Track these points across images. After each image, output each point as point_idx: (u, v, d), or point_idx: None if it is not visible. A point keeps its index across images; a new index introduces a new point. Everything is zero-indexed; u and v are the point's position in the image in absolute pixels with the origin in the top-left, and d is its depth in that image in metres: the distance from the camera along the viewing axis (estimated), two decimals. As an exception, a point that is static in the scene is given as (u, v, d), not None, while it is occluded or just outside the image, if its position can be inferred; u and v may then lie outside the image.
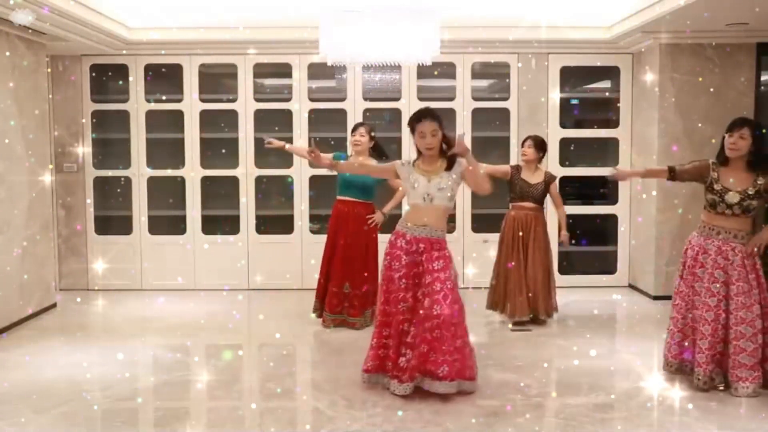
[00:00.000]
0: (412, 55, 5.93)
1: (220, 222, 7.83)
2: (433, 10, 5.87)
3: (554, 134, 7.70)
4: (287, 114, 7.68)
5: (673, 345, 4.60)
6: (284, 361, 5.41)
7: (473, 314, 6.42)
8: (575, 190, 8.00)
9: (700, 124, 7.02)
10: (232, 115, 7.69)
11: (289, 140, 7.53)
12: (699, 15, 6.08)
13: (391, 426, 3.99)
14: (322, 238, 6.32)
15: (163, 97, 7.74)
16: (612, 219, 7.82)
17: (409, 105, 7.65)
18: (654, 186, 6.94)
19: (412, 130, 4.45)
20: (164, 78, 7.87)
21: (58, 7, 5.76)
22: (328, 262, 6.06)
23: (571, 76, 7.88)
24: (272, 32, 7.20)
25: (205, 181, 7.73)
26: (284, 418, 4.19)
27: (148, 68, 7.65)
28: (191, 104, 7.65)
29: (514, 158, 7.64)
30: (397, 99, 7.71)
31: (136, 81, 7.62)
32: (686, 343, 4.54)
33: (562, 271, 7.86)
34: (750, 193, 4.37)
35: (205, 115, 7.70)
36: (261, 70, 7.79)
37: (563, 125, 7.80)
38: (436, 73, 7.57)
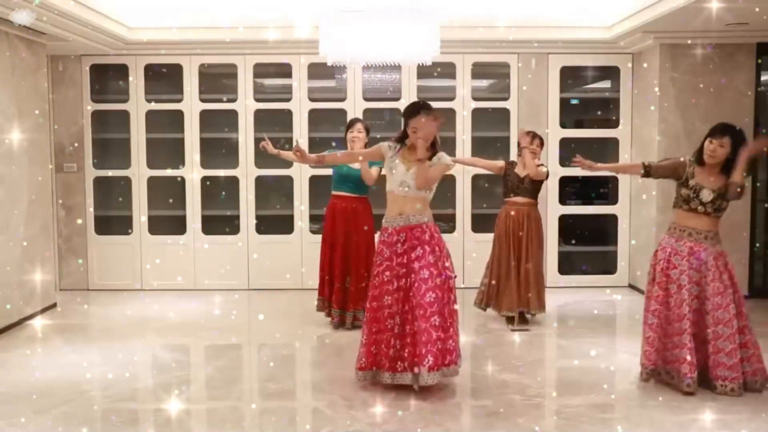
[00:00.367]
0: (412, 55, 5.93)
1: (220, 222, 7.83)
2: (433, 10, 5.87)
3: (554, 134, 7.70)
4: (287, 114, 7.68)
5: (651, 352, 4.54)
6: (284, 361, 5.41)
7: (473, 314, 6.43)
8: (575, 190, 8.01)
9: (700, 124, 7.00)
10: (232, 115, 7.69)
11: (289, 140, 7.55)
12: (699, 15, 6.08)
13: (391, 426, 3.99)
14: (322, 238, 6.33)
15: (164, 97, 7.74)
16: (612, 219, 7.82)
17: (409, 105, 7.65)
18: (654, 186, 6.93)
19: (406, 122, 4.48)
20: (164, 78, 7.87)
21: (58, 7, 5.76)
22: (329, 258, 6.06)
23: (571, 76, 7.88)
24: (272, 32, 7.19)
25: (205, 181, 7.74)
26: (284, 418, 4.19)
27: (148, 68, 7.65)
28: (191, 104, 7.65)
29: (514, 158, 7.64)
30: (397, 99, 7.70)
31: (136, 81, 7.62)
32: (667, 351, 4.51)
33: (562, 271, 7.86)
34: (723, 193, 4.43)
35: (205, 115, 7.70)
36: (261, 70, 7.79)
37: (563, 125, 7.80)
38: (436, 73, 7.57)
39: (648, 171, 4.64)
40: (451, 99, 7.71)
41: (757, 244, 7.30)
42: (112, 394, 4.55)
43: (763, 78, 7.23)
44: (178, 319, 6.53)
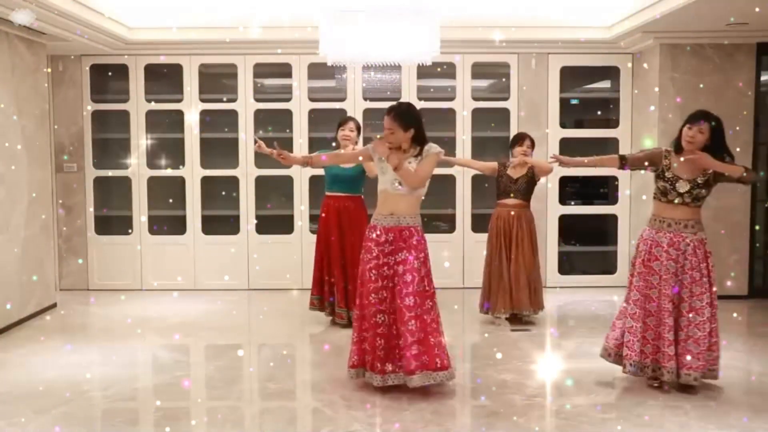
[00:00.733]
0: (412, 55, 5.93)
1: (220, 222, 7.83)
2: (433, 10, 5.86)
3: (554, 134, 7.71)
4: (287, 114, 7.68)
5: (635, 342, 4.54)
6: (284, 361, 5.41)
7: (473, 314, 6.43)
8: (575, 190, 8.02)
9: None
10: (232, 115, 7.69)
11: (290, 140, 7.55)
12: (699, 15, 6.09)
13: (391, 426, 3.99)
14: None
15: (164, 97, 7.74)
16: (612, 219, 7.82)
17: (409, 105, 7.64)
18: (654, 186, 6.93)
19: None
20: (164, 78, 7.87)
21: (58, 7, 5.76)
22: (324, 258, 6.06)
23: (571, 76, 7.88)
24: (272, 32, 7.20)
25: (205, 181, 7.74)
26: (284, 418, 4.19)
27: (148, 68, 7.65)
28: (191, 104, 7.65)
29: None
30: (397, 99, 7.69)
31: (136, 81, 7.62)
32: (648, 344, 4.52)
33: (562, 271, 7.87)
34: (699, 182, 4.47)
35: (205, 115, 7.70)
36: (261, 70, 7.79)
37: (563, 125, 7.80)
38: (436, 73, 7.57)
39: (624, 162, 4.68)
40: (451, 99, 7.71)
41: (757, 244, 7.30)
42: (112, 394, 4.55)
43: (763, 78, 7.22)
44: (178, 319, 6.53)
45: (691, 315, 4.41)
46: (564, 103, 7.81)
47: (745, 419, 4.09)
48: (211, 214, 7.81)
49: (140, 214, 7.72)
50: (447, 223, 7.86)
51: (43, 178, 6.73)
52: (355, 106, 7.61)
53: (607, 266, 7.93)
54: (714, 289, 4.50)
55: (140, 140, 7.67)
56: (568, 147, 7.78)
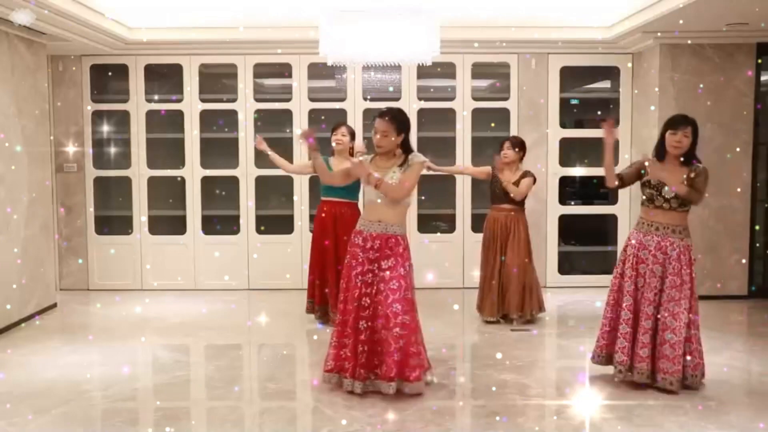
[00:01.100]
0: (412, 55, 5.93)
1: (220, 222, 7.83)
2: (433, 10, 5.87)
3: (554, 134, 7.71)
4: (287, 114, 7.68)
5: (599, 336, 4.64)
6: (284, 361, 5.41)
7: (473, 315, 6.43)
8: (575, 190, 8.01)
9: (700, 124, 6.98)
10: (232, 115, 7.69)
11: (290, 140, 7.55)
12: (699, 15, 6.09)
13: (391, 426, 3.99)
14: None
15: (164, 97, 7.74)
16: (612, 219, 7.82)
17: (409, 105, 7.65)
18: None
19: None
20: (164, 78, 7.87)
21: (58, 7, 5.76)
22: (319, 263, 6.06)
23: (571, 76, 7.88)
24: (272, 32, 7.20)
25: (205, 181, 7.74)
26: (284, 418, 4.19)
27: (148, 68, 7.65)
28: (191, 104, 7.65)
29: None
30: (397, 99, 7.70)
31: (136, 81, 7.62)
32: (623, 341, 4.55)
33: (562, 271, 7.87)
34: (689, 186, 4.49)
35: (205, 115, 7.71)
36: (261, 70, 7.79)
37: (563, 125, 7.80)
38: (436, 73, 7.57)
39: (622, 183, 4.75)
40: (451, 99, 7.71)
41: (757, 244, 7.30)
42: (112, 394, 4.55)
43: (763, 78, 7.22)
44: (178, 319, 6.53)
45: (668, 319, 4.44)
46: (564, 103, 7.81)
47: (761, 425, 4.09)
48: (211, 214, 7.81)
49: (140, 214, 7.72)
50: (447, 223, 7.86)
51: (43, 178, 6.73)
52: (355, 106, 7.61)
53: (607, 266, 7.90)
54: (695, 296, 4.52)
55: (140, 140, 7.67)
56: (568, 147, 7.80)
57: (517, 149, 6.20)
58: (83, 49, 7.27)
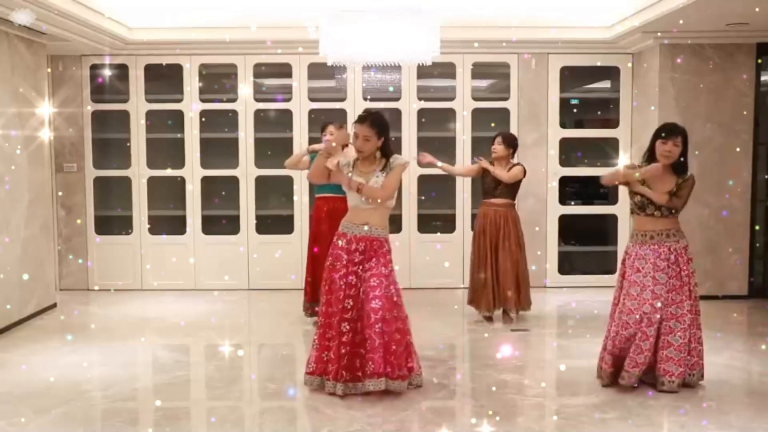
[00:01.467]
0: (412, 55, 5.93)
1: (220, 222, 7.83)
2: (433, 10, 5.87)
3: (554, 134, 7.71)
4: (287, 114, 7.68)
5: (605, 356, 4.58)
6: (284, 361, 5.41)
7: (472, 314, 6.43)
8: (575, 190, 8.01)
9: (699, 124, 7.02)
10: (232, 115, 7.69)
11: (290, 140, 7.56)
12: (699, 15, 6.09)
13: (391, 426, 3.99)
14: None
15: (164, 97, 7.75)
16: (612, 219, 7.82)
17: (409, 105, 7.66)
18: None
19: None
20: (164, 78, 7.87)
21: (58, 7, 5.76)
22: (315, 262, 6.07)
23: (571, 76, 7.88)
24: (272, 32, 7.20)
25: (205, 181, 7.74)
26: (284, 418, 4.19)
27: (148, 68, 7.65)
28: (191, 104, 7.65)
29: (514, 159, 7.63)
30: (397, 99, 7.71)
31: (136, 81, 7.62)
32: (624, 354, 4.50)
33: (562, 271, 7.87)
34: (674, 193, 4.50)
35: (205, 115, 7.71)
36: (261, 70, 7.79)
37: (563, 125, 7.80)
38: (436, 73, 7.57)
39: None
40: (451, 99, 7.71)
41: (757, 244, 7.30)
42: (112, 394, 4.55)
43: (763, 78, 7.22)
44: (178, 319, 6.53)
45: (672, 322, 4.45)
46: (564, 103, 7.81)
47: (747, 419, 4.09)
48: (211, 214, 7.81)
49: (140, 214, 7.72)
50: (447, 223, 7.86)
51: (43, 178, 6.73)
52: (355, 106, 7.61)
53: (607, 266, 7.92)
54: (695, 295, 4.53)
55: (140, 140, 7.67)
56: (568, 147, 7.80)
57: (506, 145, 6.20)
58: (83, 49, 7.27)
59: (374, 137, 4.42)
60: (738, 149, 7.11)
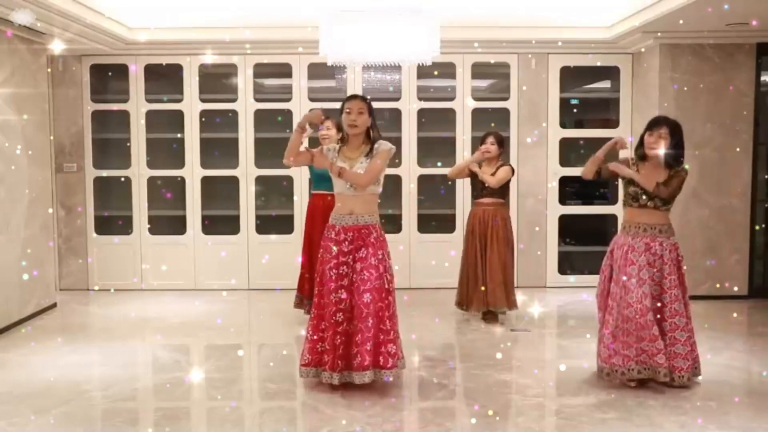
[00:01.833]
0: (412, 55, 5.93)
1: (220, 222, 7.83)
2: (433, 10, 5.87)
3: (554, 134, 7.71)
4: (287, 114, 7.68)
5: (602, 349, 4.60)
6: (284, 361, 5.41)
7: (472, 315, 6.42)
8: (575, 190, 8.01)
9: (700, 124, 7.02)
10: (232, 115, 7.69)
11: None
12: (699, 15, 6.09)
13: (391, 426, 3.99)
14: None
15: (164, 98, 7.75)
16: (612, 219, 7.82)
17: (409, 105, 7.66)
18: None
19: (341, 110, 4.55)
20: (164, 78, 7.87)
21: (58, 7, 5.76)
22: (309, 257, 6.07)
23: (571, 76, 7.88)
24: (272, 32, 7.20)
25: (205, 181, 7.74)
26: (284, 418, 4.19)
27: (148, 68, 7.65)
28: (191, 104, 7.65)
29: (514, 158, 7.65)
30: (397, 99, 7.71)
31: (136, 81, 7.63)
32: (629, 348, 4.50)
33: (562, 271, 7.87)
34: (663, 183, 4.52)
35: (205, 115, 7.71)
36: (261, 70, 7.79)
37: (563, 125, 7.80)
38: (436, 73, 7.57)
39: (599, 175, 4.78)
40: (451, 99, 7.71)
41: (757, 244, 7.30)
42: (112, 394, 4.55)
43: (763, 78, 7.22)
44: (178, 319, 6.53)
45: (676, 318, 4.49)
46: (564, 103, 7.81)
47: (747, 419, 4.09)
48: (211, 214, 7.81)
49: (140, 214, 7.72)
50: (447, 223, 7.86)
51: (43, 178, 6.73)
52: (355, 106, 7.59)
53: (607, 266, 7.91)
54: (687, 293, 4.59)
55: (140, 140, 7.67)
56: (568, 147, 7.80)
57: (499, 144, 6.22)
58: (83, 49, 7.27)
59: (366, 112, 4.50)
60: (738, 149, 7.11)
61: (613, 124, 7.80)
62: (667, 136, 4.51)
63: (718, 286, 7.18)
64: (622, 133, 7.69)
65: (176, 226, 7.79)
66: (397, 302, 4.59)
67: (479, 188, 6.23)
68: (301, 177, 7.63)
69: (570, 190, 7.99)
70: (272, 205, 7.96)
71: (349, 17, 5.74)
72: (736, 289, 7.18)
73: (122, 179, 7.72)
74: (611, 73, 7.85)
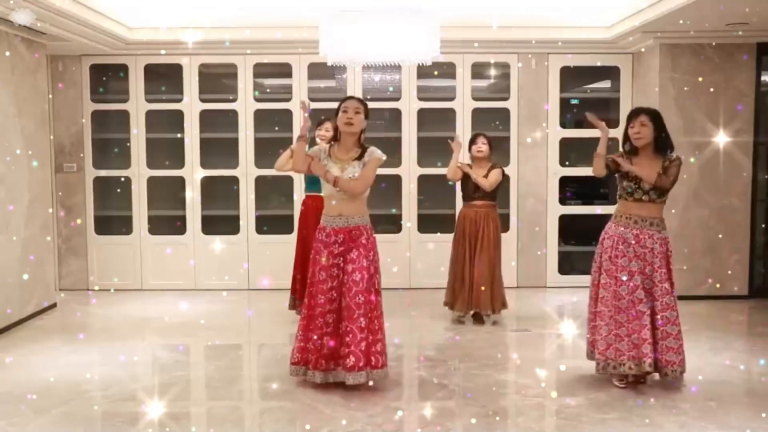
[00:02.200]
0: (412, 55, 5.93)
1: (220, 222, 7.83)
2: (433, 10, 5.87)
3: (554, 134, 7.71)
4: (287, 114, 7.68)
5: (601, 343, 4.59)
6: (284, 361, 5.39)
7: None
8: (575, 190, 8.01)
9: (700, 124, 7.02)
10: (232, 115, 7.69)
11: (289, 141, 7.54)
12: (699, 15, 6.09)
13: (391, 426, 3.99)
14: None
15: (163, 98, 7.75)
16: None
17: (409, 105, 7.66)
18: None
19: (337, 111, 4.59)
20: (164, 78, 7.87)
21: (58, 7, 5.76)
22: (303, 259, 6.07)
23: (571, 76, 7.88)
24: (272, 32, 7.20)
25: (205, 181, 7.73)
26: (284, 418, 4.19)
27: (148, 68, 7.65)
28: (191, 104, 7.65)
29: (514, 158, 7.66)
30: (397, 99, 7.71)
31: (136, 81, 7.62)
32: (620, 341, 4.51)
33: (562, 271, 7.86)
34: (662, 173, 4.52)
35: (205, 115, 7.71)
36: (261, 70, 7.79)
37: (563, 125, 7.80)
38: (436, 73, 7.57)
39: (608, 166, 4.70)
40: (451, 99, 7.71)
41: (757, 244, 7.30)
42: (112, 394, 4.55)
43: (763, 78, 7.22)
44: (178, 319, 6.53)
45: (668, 312, 4.49)
46: (564, 103, 7.81)
47: (746, 419, 4.09)
48: (211, 214, 7.81)
49: (140, 214, 7.72)
50: (447, 224, 7.85)
51: (43, 178, 6.73)
52: (355, 106, 7.60)
53: (607, 266, 7.91)
54: (675, 286, 4.60)
55: (140, 140, 7.67)
56: (568, 147, 7.79)
57: (490, 145, 6.23)
58: (83, 49, 7.27)
59: (362, 113, 4.56)
60: (738, 149, 7.11)
61: (614, 124, 7.77)
62: (648, 122, 4.52)
63: (718, 286, 7.18)
64: (622, 132, 7.66)
65: (176, 226, 7.79)
66: (397, 302, 4.60)
67: (471, 190, 6.22)
68: (300, 177, 7.62)
69: (570, 190, 7.97)
70: (272, 205, 7.96)
71: (349, 17, 5.73)
72: (736, 289, 7.18)
73: (122, 179, 7.73)
74: (611, 73, 7.85)
